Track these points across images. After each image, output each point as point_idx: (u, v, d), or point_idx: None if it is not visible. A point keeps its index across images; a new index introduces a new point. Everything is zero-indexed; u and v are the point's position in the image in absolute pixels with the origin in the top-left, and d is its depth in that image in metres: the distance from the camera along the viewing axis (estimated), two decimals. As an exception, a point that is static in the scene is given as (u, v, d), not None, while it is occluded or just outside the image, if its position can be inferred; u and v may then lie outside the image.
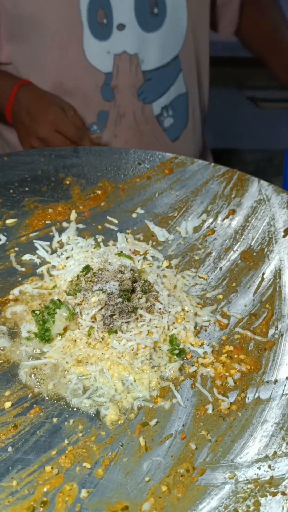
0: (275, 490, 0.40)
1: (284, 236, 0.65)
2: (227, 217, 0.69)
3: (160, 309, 0.54)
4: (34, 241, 0.65)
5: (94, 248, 0.63)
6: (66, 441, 0.43)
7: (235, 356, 0.51)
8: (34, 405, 0.46)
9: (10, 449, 0.42)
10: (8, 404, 0.46)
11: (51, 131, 0.84)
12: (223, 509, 0.38)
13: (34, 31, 0.86)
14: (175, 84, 0.96)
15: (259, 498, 0.39)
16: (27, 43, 0.87)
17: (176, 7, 0.91)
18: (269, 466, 0.41)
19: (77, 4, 0.84)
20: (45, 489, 0.40)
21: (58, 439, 0.43)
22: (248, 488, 0.40)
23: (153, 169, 0.76)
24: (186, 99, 0.99)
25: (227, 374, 0.49)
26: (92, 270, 0.57)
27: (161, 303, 0.55)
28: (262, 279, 0.60)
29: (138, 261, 0.62)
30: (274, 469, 0.41)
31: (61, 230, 0.67)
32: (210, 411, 0.46)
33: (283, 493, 0.39)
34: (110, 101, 0.91)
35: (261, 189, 0.72)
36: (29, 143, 0.85)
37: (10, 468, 0.41)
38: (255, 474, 0.41)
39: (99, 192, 0.73)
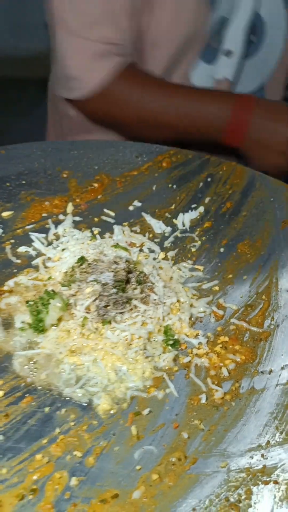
0: (268, 479, 0.39)
1: (281, 228, 0.64)
2: (224, 209, 0.69)
3: (155, 300, 0.54)
4: (30, 233, 0.64)
5: (90, 240, 0.63)
6: (57, 430, 0.43)
7: (230, 346, 0.51)
8: (27, 395, 0.46)
9: (1, 437, 0.42)
10: (0, 393, 0.46)
11: None
12: (215, 498, 0.38)
13: (151, 45, 0.85)
14: None
15: (251, 486, 0.39)
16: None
17: (273, 40, 0.92)
18: (262, 455, 0.41)
19: (206, 26, 0.84)
20: (35, 477, 0.39)
21: (49, 428, 0.43)
22: (240, 477, 0.39)
23: (151, 161, 0.76)
24: None
25: (222, 364, 0.49)
26: (87, 261, 0.57)
27: (156, 294, 0.54)
28: (259, 270, 0.59)
29: (134, 253, 0.61)
30: (267, 458, 0.41)
31: (57, 223, 0.66)
32: (203, 401, 0.45)
33: (275, 482, 0.39)
34: None
35: (259, 182, 0.71)
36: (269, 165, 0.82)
37: (0, 456, 0.41)
38: (247, 463, 0.40)
39: (96, 185, 0.72)
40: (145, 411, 0.45)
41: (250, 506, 0.38)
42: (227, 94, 0.86)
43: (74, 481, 0.39)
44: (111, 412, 0.45)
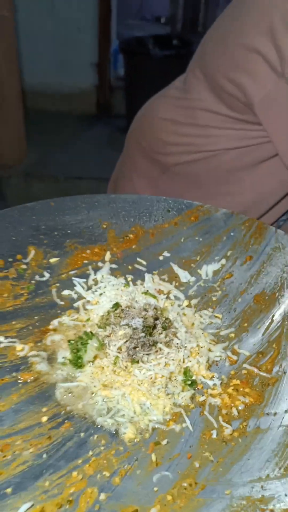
0: (265, 507, 0.46)
1: (295, 282, 0.72)
2: (244, 262, 0.77)
3: (177, 344, 0.62)
4: (73, 278, 0.75)
5: (124, 286, 0.72)
6: (90, 453, 0.51)
7: (241, 389, 0.59)
8: (66, 421, 0.55)
9: (44, 456, 0.51)
10: (44, 418, 0.55)
11: None
12: (218, 519, 0.45)
13: None
14: None
15: (253, 511, 0.46)
16: None
17: None
18: (261, 487, 0.48)
19: None
20: (71, 491, 0.48)
21: (83, 451, 0.52)
22: (241, 504, 0.47)
23: (181, 215, 0.85)
24: None
25: (232, 404, 0.57)
26: (121, 306, 0.66)
27: (179, 339, 0.63)
28: (272, 321, 0.67)
29: (162, 299, 0.70)
30: (265, 490, 0.48)
31: (96, 269, 0.76)
32: (214, 436, 0.53)
33: (271, 510, 0.46)
34: None
35: (277, 238, 0.79)
36: None
37: (44, 471, 0.49)
38: (248, 492, 0.48)
39: (131, 236, 0.82)
40: (164, 442, 0.53)
41: (248, 528, 0.45)
42: None
43: (102, 496, 0.47)
44: (135, 440, 0.53)
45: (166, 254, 0.79)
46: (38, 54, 3.16)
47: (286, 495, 0.47)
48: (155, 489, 0.48)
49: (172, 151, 1.02)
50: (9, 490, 0.47)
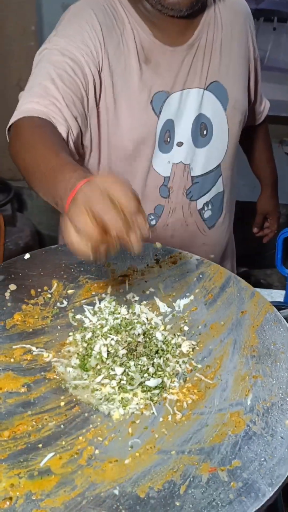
0: (194, 463, 0.76)
1: (240, 316, 1.01)
2: (207, 299, 1.07)
3: (156, 355, 0.93)
4: (84, 305, 1.05)
5: (131, 307, 1.02)
6: (91, 426, 0.82)
7: (191, 390, 0.88)
8: (76, 405, 0.85)
9: (62, 426, 0.81)
10: (62, 403, 0.85)
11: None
12: (167, 467, 0.76)
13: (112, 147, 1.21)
14: (215, 185, 1.33)
15: (185, 464, 0.76)
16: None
17: (220, 131, 1.28)
18: (193, 450, 0.78)
19: (155, 130, 1.20)
20: (78, 447, 0.78)
21: (86, 424, 0.82)
22: (179, 459, 0.77)
23: (164, 259, 1.15)
24: (223, 196, 1.36)
25: (184, 400, 0.87)
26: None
27: (158, 353, 0.93)
28: (219, 344, 0.97)
29: (146, 324, 1.01)
30: (195, 452, 0.78)
31: (100, 299, 1.07)
32: (170, 419, 0.83)
33: (197, 464, 0.76)
34: (166, 198, 1.28)
35: (233, 281, 1.09)
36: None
37: (61, 435, 0.80)
38: (187, 453, 0.78)
39: (127, 274, 1.13)
40: (138, 421, 0.83)
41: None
42: (78, 175, 0.76)
43: (97, 451, 0.77)
44: (120, 419, 0.83)
45: (151, 289, 1.09)
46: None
47: (208, 455, 0.77)
48: (129, 449, 0.78)
49: None
50: (40, 445, 0.78)
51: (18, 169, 0.91)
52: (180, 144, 1.22)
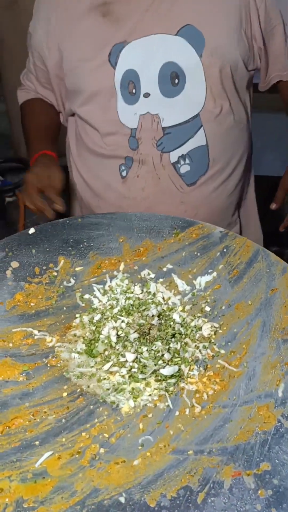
0: (213, 464, 0.65)
1: (269, 295, 0.88)
2: (231, 275, 0.94)
3: (173, 340, 0.81)
4: (93, 284, 0.94)
5: (145, 286, 0.92)
6: (96, 420, 0.71)
7: (213, 379, 0.77)
8: (80, 396, 0.75)
9: (63, 420, 0.71)
10: (65, 394, 0.75)
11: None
12: (183, 470, 0.64)
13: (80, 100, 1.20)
14: (194, 137, 1.19)
15: (204, 467, 0.65)
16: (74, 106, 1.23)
17: (195, 80, 1.14)
18: (214, 450, 0.67)
19: (112, 81, 1.13)
20: (80, 446, 0.68)
21: (91, 418, 0.72)
22: (198, 460, 0.65)
23: (184, 232, 1.03)
24: (207, 150, 1.21)
25: (204, 391, 0.75)
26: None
27: (175, 337, 0.82)
28: (246, 326, 0.84)
29: (163, 305, 0.89)
30: (215, 452, 0.66)
31: (112, 277, 0.95)
32: (187, 413, 0.72)
33: (218, 466, 0.64)
34: (134, 149, 1.17)
35: (261, 255, 0.95)
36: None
37: (62, 431, 0.70)
38: (206, 453, 0.66)
39: (142, 249, 1.01)
40: (150, 415, 0.72)
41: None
42: (37, 147, 1.22)
43: (102, 450, 0.67)
44: (130, 413, 0.72)
45: (169, 266, 0.97)
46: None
47: (232, 456, 0.65)
48: (139, 447, 0.68)
49: None
50: (37, 442, 0.68)
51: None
52: (147, 95, 1.14)
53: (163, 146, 1.18)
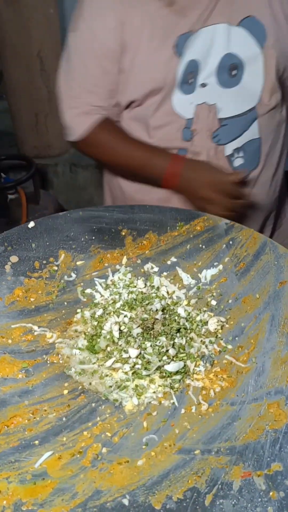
0: (221, 464, 0.62)
1: (278, 287, 0.85)
2: (238, 268, 0.90)
3: (178, 335, 0.78)
4: (95, 278, 0.91)
5: (149, 280, 0.88)
6: (98, 418, 0.68)
7: (220, 375, 0.73)
8: (82, 394, 0.72)
9: (64, 419, 0.68)
10: (66, 391, 0.72)
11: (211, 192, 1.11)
12: (189, 470, 0.61)
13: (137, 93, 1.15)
14: (249, 130, 1.17)
15: (212, 467, 0.61)
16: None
17: (253, 71, 1.12)
18: (222, 450, 0.64)
19: (175, 72, 1.10)
20: (82, 445, 0.65)
21: (93, 416, 0.69)
22: (205, 460, 0.62)
23: (188, 225, 1.00)
24: (259, 144, 1.19)
25: (211, 387, 0.72)
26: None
27: (180, 332, 0.78)
28: (254, 320, 0.81)
29: (167, 299, 0.86)
30: (224, 452, 0.63)
31: (114, 271, 0.92)
32: (193, 410, 0.69)
33: (226, 466, 0.61)
34: (188, 141, 1.14)
35: (269, 247, 0.92)
36: (196, 204, 1.14)
37: (63, 430, 0.67)
38: (214, 452, 0.63)
39: (145, 242, 0.97)
40: (154, 413, 0.69)
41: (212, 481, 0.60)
42: (165, 153, 1.15)
43: (104, 450, 0.64)
44: (133, 411, 0.69)
45: (173, 259, 0.94)
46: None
47: (241, 456, 0.62)
48: (144, 447, 0.64)
49: None
50: (36, 442, 0.65)
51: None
52: (204, 85, 1.10)
53: (219, 138, 1.16)
